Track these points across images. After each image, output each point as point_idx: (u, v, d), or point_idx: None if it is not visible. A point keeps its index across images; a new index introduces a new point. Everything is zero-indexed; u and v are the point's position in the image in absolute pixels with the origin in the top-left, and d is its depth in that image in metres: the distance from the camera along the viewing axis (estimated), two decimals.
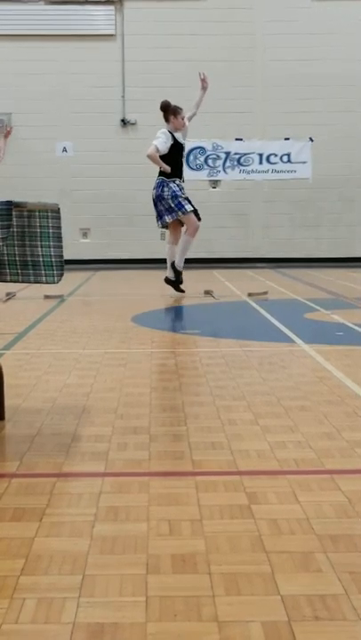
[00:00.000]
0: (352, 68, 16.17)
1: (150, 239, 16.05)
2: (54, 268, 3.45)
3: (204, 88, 9.79)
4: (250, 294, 9.29)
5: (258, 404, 4.03)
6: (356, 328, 6.62)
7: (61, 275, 3.50)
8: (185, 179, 9.79)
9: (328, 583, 2.02)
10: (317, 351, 5.48)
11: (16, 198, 3.47)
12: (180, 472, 2.94)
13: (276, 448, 3.20)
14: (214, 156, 16.37)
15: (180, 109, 9.50)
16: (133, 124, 16.26)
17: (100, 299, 10.01)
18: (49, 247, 3.42)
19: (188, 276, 13.15)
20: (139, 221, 16.22)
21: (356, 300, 9.06)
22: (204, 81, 9.79)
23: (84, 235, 16.46)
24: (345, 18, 16.15)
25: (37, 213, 3.42)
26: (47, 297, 9.22)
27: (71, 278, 11.53)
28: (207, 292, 9.54)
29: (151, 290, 10.62)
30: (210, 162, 16.30)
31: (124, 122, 16.33)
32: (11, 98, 15.94)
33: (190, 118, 9.73)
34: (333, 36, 16.16)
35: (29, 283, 3.56)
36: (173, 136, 9.48)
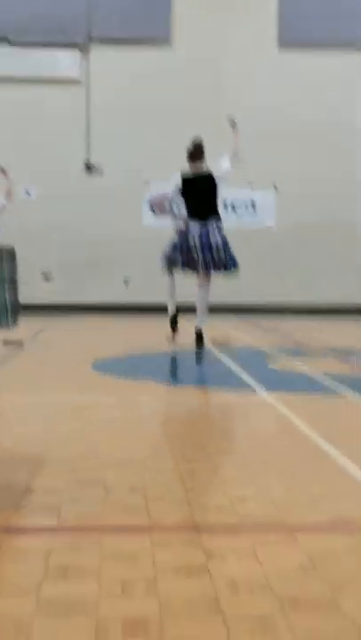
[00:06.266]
0: (316, 117, 16.38)
1: (114, 285, 16.00)
2: (9, 312, 3.34)
3: (232, 126, 9.19)
4: (213, 342, 9.22)
5: (218, 455, 3.91)
6: (319, 379, 6.55)
7: (17, 319, 3.39)
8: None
9: None
10: (281, 401, 5.38)
11: None
12: (136, 527, 2.81)
13: (236, 502, 3.09)
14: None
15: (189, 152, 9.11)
16: (98, 168, 16.28)
17: (60, 345, 9.87)
18: (4, 290, 3.31)
19: (151, 322, 13.09)
20: (102, 267, 16.18)
21: (320, 349, 9.02)
22: (230, 120, 9.23)
23: (46, 279, 16.34)
24: (311, 69, 16.40)
25: None
26: (6, 342, 9.07)
27: (32, 323, 11.40)
28: (169, 339, 9.43)
29: (113, 336, 10.52)
30: (175, 208, 16.30)
31: (88, 167, 16.34)
32: None
33: (232, 161, 9.12)
34: (298, 86, 16.38)
35: None
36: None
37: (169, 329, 8.92)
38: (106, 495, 3.17)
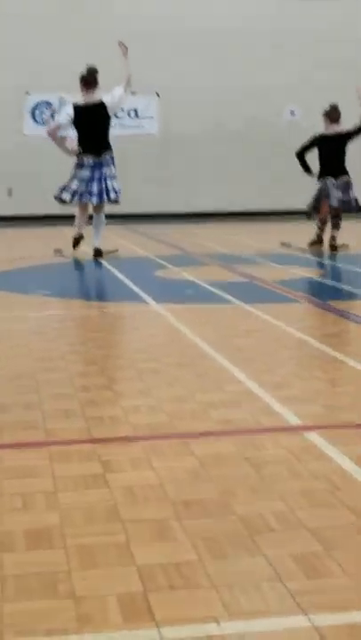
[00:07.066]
0: (199, 23, 16.15)
1: None
2: None
3: (123, 54, 9.15)
4: (105, 253, 9.23)
5: (111, 368, 4.02)
6: (205, 285, 6.69)
7: None
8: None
9: (183, 551, 2.05)
10: (168, 310, 5.51)
11: None
12: (33, 443, 2.90)
13: (129, 413, 3.21)
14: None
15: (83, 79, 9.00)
16: None
17: None
18: None
19: (38, 234, 12.96)
20: None
21: (205, 256, 9.16)
22: (121, 45, 9.16)
23: None
24: None
25: None
26: None
27: None
28: (57, 251, 9.40)
29: None
30: (56, 116, 15.98)
31: None
32: None
33: (125, 89, 9.18)
34: None
35: None
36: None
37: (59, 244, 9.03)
38: (2, 413, 3.24)
